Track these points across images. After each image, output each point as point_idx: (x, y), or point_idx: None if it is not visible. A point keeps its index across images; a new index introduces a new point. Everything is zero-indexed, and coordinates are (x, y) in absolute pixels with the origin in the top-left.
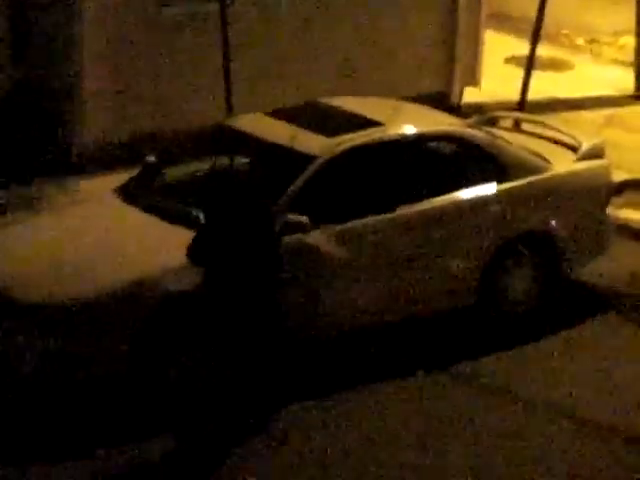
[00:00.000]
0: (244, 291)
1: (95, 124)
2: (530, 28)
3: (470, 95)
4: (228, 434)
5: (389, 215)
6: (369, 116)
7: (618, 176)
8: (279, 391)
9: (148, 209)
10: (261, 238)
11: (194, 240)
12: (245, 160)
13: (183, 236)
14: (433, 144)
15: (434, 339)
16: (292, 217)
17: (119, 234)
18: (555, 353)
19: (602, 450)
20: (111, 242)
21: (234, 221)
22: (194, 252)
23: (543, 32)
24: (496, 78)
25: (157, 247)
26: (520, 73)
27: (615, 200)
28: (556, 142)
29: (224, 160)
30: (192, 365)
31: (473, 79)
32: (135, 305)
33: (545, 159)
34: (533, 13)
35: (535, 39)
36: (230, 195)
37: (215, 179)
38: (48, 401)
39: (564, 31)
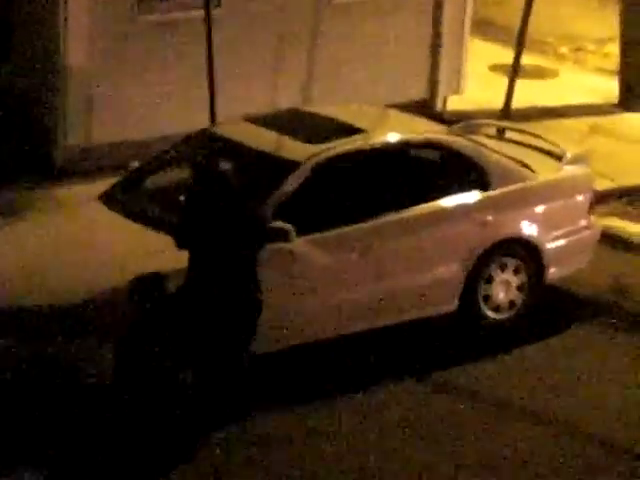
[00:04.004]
0: (226, 274)
1: (78, 130)
2: (515, 36)
3: (454, 103)
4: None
5: (372, 222)
6: (352, 123)
7: (602, 184)
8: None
9: (131, 215)
10: (240, 234)
11: (178, 225)
12: (227, 163)
13: (166, 242)
14: (416, 151)
15: (415, 346)
16: (276, 225)
17: (102, 240)
18: (537, 361)
19: (583, 457)
20: (94, 248)
21: (214, 212)
22: (178, 236)
23: (528, 40)
24: (480, 86)
25: (140, 253)
26: (504, 81)
27: (598, 208)
28: (540, 150)
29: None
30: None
31: (457, 87)
32: (116, 311)
33: (528, 167)
34: (518, 21)
35: (519, 47)
36: (209, 187)
37: (197, 172)
38: (30, 408)
39: (548, 39)
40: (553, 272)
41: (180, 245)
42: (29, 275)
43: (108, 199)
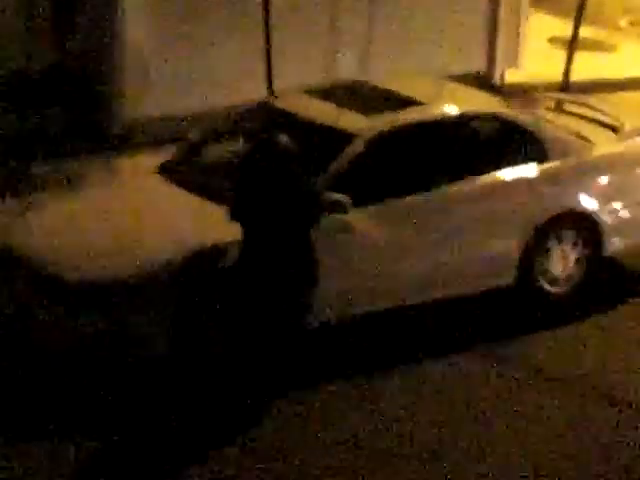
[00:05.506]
0: (281, 247)
1: (137, 102)
2: (574, 8)
3: (512, 76)
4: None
5: (430, 194)
6: (410, 95)
7: None
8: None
9: (190, 187)
10: (296, 207)
11: (232, 196)
12: (286, 136)
13: (224, 214)
14: (475, 124)
15: (472, 319)
16: (333, 196)
17: (161, 212)
18: (593, 335)
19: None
20: (153, 220)
21: (270, 184)
22: (233, 210)
23: (587, 13)
24: (539, 59)
25: (198, 225)
26: (563, 54)
27: None
28: (599, 123)
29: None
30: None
31: (515, 60)
32: (173, 285)
33: (587, 139)
34: None
35: (578, 19)
36: (270, 160)
37: (257, 144)
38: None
39: (608, 12)
40: (612, 245)
41: (232, 216)
42: (86, 247)
43: (166, 170)
